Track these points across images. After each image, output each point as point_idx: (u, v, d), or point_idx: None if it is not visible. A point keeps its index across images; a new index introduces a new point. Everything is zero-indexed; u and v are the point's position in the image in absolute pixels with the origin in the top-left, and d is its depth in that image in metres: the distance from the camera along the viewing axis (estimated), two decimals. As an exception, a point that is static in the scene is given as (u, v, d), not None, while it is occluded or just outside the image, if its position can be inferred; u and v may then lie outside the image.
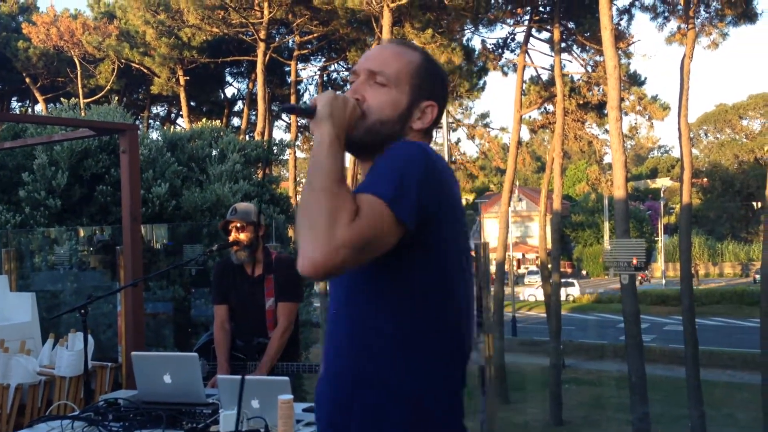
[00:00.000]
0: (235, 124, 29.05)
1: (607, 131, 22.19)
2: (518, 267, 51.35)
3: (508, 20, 22.88)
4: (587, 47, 22.79)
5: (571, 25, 22.76)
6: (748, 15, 19.57)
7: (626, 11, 21.76)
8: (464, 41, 23.16)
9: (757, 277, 29.01)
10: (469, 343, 1.55)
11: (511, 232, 32.44)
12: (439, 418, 1.47)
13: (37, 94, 28.44)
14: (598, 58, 22.48)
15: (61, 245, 7.94)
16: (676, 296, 28.09)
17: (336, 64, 27.41)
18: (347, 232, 1.27)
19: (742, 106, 56.69)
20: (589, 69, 23.56)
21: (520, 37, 23.37)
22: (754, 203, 47.64)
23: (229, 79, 29.63)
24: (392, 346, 1.45)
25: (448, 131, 23.04)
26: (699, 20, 19.71)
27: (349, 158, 1.71)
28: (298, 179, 27.80)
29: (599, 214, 48.98)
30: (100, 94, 25.98)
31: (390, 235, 1.35)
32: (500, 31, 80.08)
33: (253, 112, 27.57)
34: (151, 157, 8.65)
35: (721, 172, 51.92)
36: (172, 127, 20.39)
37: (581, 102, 23.61)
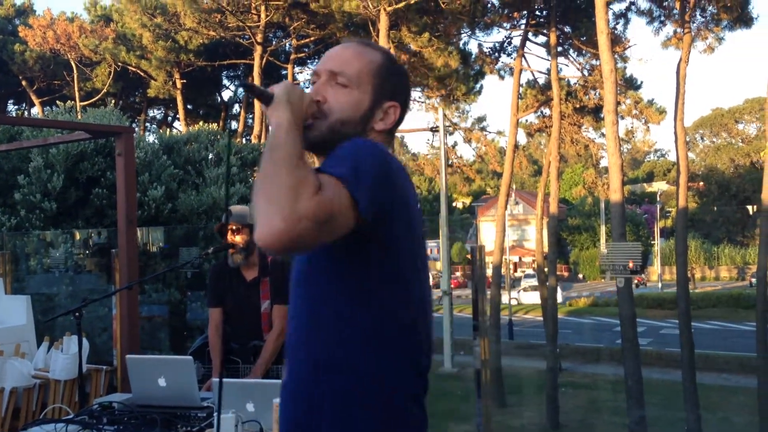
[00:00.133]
0: (233, 127, 29.04)
1: (603, 135, 22.24)
2: (515, 270, 51.37)
3: (505, 24, 22.91)
4: (583, 51, 22.83)
5: (567, 29, 22.80)
6: (744, 19, 19.63)
7: (622, 15, 21.82)
8: (461, 45, 23.21)
9: (754, 280, 29.05)
10: (427, 348, 1.53)
11: (507, 236, 32.46)
12: (405, 409, 1.46)
13: (33, 97, 28.41)
14: (594, 62, 22.51)
15: (56, 248, 7.93)
16: (673, 299, 28.11)
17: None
18: (310, 204, 1.24)
19: (738, 110, 56.82)
20: (586, 73, 23.61)
21: (516, 41, 23.42)
22: (750, 207, 47.73)
23: (225, 82, 29.67)
24: (358, 333, 1.44)
25: (444, 134, 23.07)
26: (695, 25, 19.77)
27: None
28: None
29: (596, 218, 49.04)
30: (97, 97, 25.96)
31: (347, 217, 1.33)
32: (497, 35, 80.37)
33: (250, 116, 27.58)
34: (147, 160, 8.65)
35: (717, 175, 52.02)
36: (169, 130, 20.38)
37: (578, 106, 23.64)
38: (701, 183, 51.70)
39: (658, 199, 52.24)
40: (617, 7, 21.38)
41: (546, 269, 23.15)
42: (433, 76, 22.85)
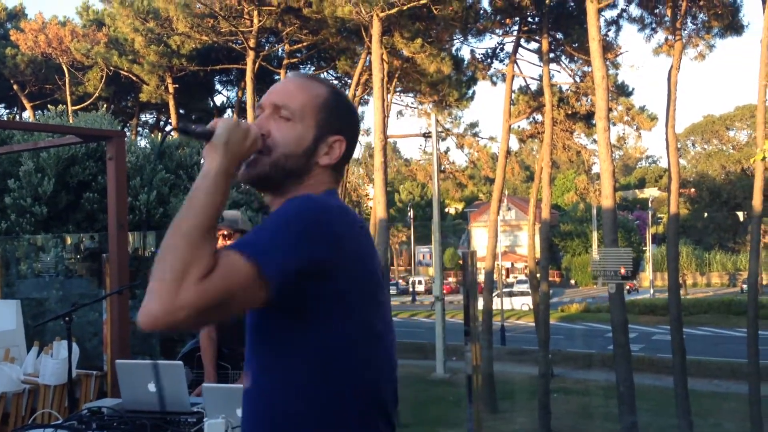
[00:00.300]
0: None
1: (595, 141, 22.33)
2: (507, 276, 51.44)
3: (497, 30, 22.99)
4: (575, 58, 22.93)
5: (559, 35, 22.89)
6: (735, 27, 19.76)
7: (614, 22, 21.93)
8: (453, 51, 23.27)
9: (745, 287, 29.15)
10: (393, 407, 1.46)
11: (500, 242, 32.52)
12: None
13: (24, 101, 28.31)
14: (586, 68, 22.61)
15: (47, 252, 7.89)
16: (664, 306, 28.17)
17: (326, 73, 27.46)
18: (192, 293, 1.20)
19: (729, 117, 57.13)
20: (578, 79, 23.71)
21: (509, 47, 23.50)
22: (741, 213, 47.95)
23: (218, 87, 29.64)
24: (311, 408, 1.36)
25: (437, 140, 23.11)
26: (686, 32, 19.89)
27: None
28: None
29: (588, 224, 49.20)
30: (89, 102, 25.88)
31: (251, 294, 1.27)
32: (489, 41, 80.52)
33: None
34: (138, 164, 8.62)
35: (709, 182, 52.26)
36: (161, 135, 20.35)
37: (570, 112, 23.73)
38: (692, 189, 51.94)
39: (649, 205, 52.45)
40: (609, 14, 21.51)
41: (538, 275, 23.18)
42: (426, 82, 22.91)
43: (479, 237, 50.78)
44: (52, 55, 26.09)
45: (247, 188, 9.54)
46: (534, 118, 25.38)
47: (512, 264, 54.48)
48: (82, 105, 25.08)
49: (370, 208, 28.68)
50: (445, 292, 25.52)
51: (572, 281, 51.59)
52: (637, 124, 24.00)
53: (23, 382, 4.57)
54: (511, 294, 40.23)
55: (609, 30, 21.77)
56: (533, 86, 24.66)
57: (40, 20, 27.11)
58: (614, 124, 23.32)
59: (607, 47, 20.73)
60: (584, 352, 27.38)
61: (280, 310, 1.33)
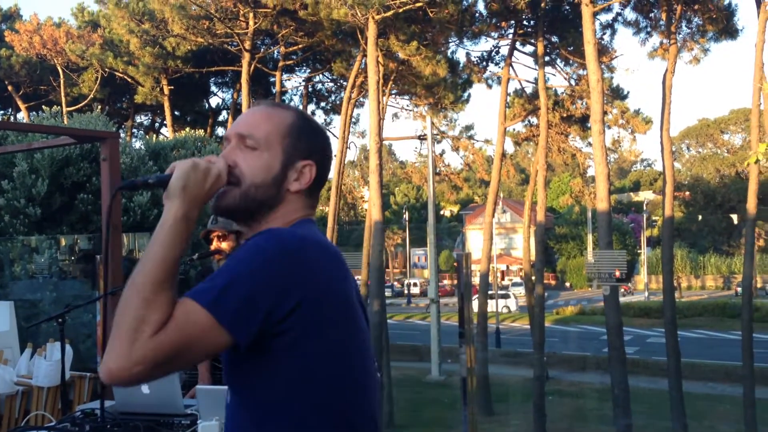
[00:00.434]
0: (220, 134, 28.97)
1: (590, 144, 22.36)
2: (502, 279, 51.48)
3: (493, 33, 23.02)
4: (571, 61, 22.98)
5: (554, 39, 22.93)
6: (729, 31, 19.82)
7: (609, 26, 21.98)
8: (449, 54, 23.32)
9: (739, 289, 29.23)
10: None
11: (495, 244, 32.53)
12: None
13: (19, 102, 28.23)
14: (581, 71, 22.67)
15: (40, 254, 7.86)
16: (659, 308, 28.27)
17: (321, 75, 27.47)
18: (146, 349, 1.19)
19: (723, 120, 57.32)
20: (573, 82, 23.75)
21: (504, 51, 23.54)
22: (735, 216, 48.10)
23: (213, 89, 29.61)
24: None
25: (432, 142, 23.12)
26: (681, 36, 19.95)
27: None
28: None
29: (583, 227, 49.29)
30: (83, 103, 25.83)
31: (212, 342, 1.25)
32: (485, 44, 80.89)
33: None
34: (133, 165, 8.60)
35: (703, 185, 52.42)
36: (155, 136, 20.31)
37: (565, 115, 23.77)
38: (687, 192, 52.09)
39: (644, 208, 52.59)
40: (604, 18, 21.55)
41: (533, 277, 23.20)
42: (421, 85, 22.91)
43: (474, 239, 50.81)
44: (47, 56, 26.03)
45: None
46: (529, 121, 25.43)
47: (507, 266, 54.52)
48: (76, 106, 25.02)
49: (366, 210, 28.66)
50: (440, 294, 25.52)
51: (567, 284, 51.65)
52: (632, 128, 24.06)
53: (16, 383, 4.55)
54: (491, 297, 40.01)
55: (604, 33, 21.85)
56: (528, 89, 24.72)
57: (35, 21, 27.05)
58: (609, 128, 23.38)
59: (602, 51, 20.77)
60: (579, 354, 27.42)
61: (248, 349, 1.30)
